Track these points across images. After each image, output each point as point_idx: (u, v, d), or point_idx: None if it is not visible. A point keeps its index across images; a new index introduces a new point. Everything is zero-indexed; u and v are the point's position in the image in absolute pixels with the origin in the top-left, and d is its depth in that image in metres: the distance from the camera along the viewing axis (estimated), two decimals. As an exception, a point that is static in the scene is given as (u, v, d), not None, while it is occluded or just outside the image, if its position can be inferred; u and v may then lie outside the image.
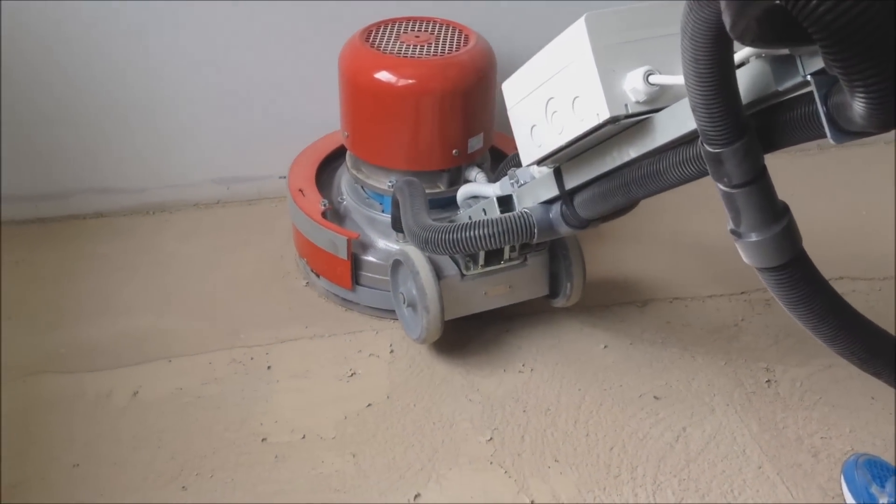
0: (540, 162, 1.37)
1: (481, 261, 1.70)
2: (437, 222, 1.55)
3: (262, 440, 1.60)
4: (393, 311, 1.85)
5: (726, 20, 0.77)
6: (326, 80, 1.91)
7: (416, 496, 1.50)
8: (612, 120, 1.12)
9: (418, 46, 1.77)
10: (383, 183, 1.84)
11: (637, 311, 1.93)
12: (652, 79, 1.10)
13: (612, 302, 1.95)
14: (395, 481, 1.52)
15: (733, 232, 0.95)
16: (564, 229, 1.46)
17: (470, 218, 1.63)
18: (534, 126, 1.32)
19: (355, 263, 1.83)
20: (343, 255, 1.80)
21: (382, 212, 1.88)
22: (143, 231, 2.20)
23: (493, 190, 1.65)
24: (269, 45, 2.09)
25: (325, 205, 1.84)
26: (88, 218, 2.23)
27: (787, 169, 2.43)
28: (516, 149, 1.94)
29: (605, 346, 1.83)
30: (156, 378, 1.73)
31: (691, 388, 1.72)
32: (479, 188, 1.74)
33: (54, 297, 1.95)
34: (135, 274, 2.03)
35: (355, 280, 1.86)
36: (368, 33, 1.82)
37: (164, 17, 2.01)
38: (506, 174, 1.66)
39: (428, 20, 1.88)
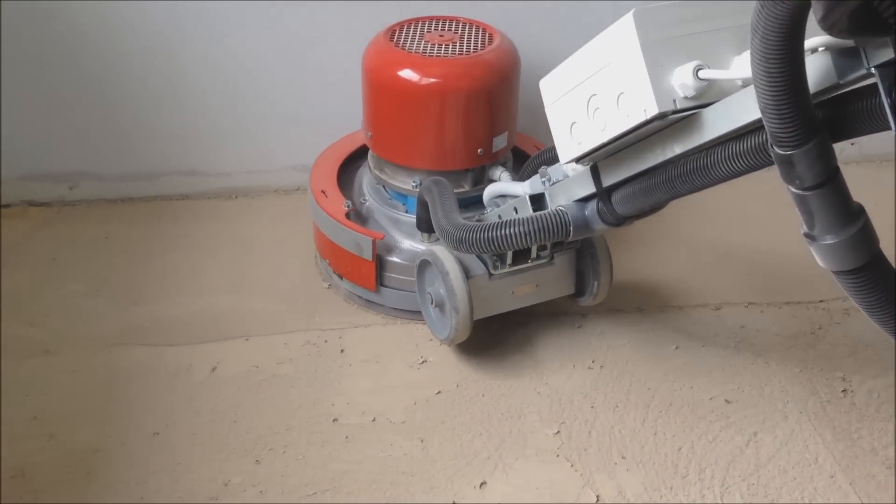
0: (579, 159, 1.36)
1: (509, 260, 1.69)
2: (468, 221, 1.57)
3: (334, 420, 1.64)
4: (417, 312, 1.84)
5: (818, 12, 0.77)
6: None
7: (481, 483, 1.52)
8: (660, 116, 1.12)
9: (443, 45, 1.77)
10: (407, 183, 1.85)
11: (711, 314, 1.91)
12: (702, 74, 1.10)
13: (684, 304, 1.94)
14: (462, 468, 1.54)
15: (807, 235, 0.94)
16: (600, 226, 1.46)
17: (500, 217, 1.63)
18: (573, 123, 1.32)
19: (380, 264, 1.83)
20: (368, 256, 1.80)
21: (406, 212, 1.89)
22: (225, 214, 2.26)
23: (523, 188, 1.64)
24: (349, 38, 2.13)
25: (348, 206, 1.84)
26: (175, 199, 2.31)
27: (870, 178, 2.38)
28: (537, 148, 1.98)
29: (677, 347, 1.82)
30: (233, 355, 1.78)
31: (764, 394, 1.70)
32: (507, 187, 1.73)
33: (139, 273, 2.02)
34: (216, 255, 2.10)
35: (380, 281, 1.86)
36: (392, 33, 1.82)
37: (249, 12, 2.07)
38: (535, 173, 1.66)
39: (451, 19, 1.88)
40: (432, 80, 1.71)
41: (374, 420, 1.64)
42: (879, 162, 2.49)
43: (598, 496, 1.49)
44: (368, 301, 1.91)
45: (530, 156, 1.96)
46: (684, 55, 1.12)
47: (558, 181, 1.54)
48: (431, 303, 1.73)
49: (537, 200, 1.57)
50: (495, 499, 1.49)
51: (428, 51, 1.76)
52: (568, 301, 1.90)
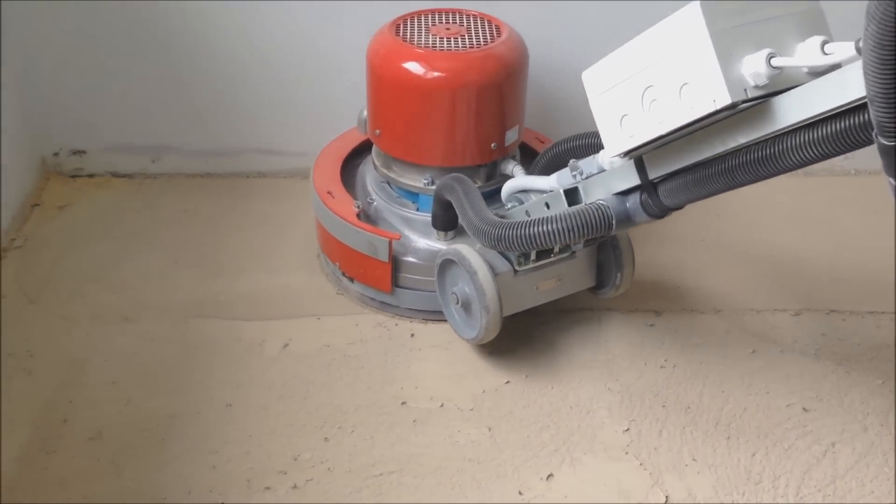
0: (629, 153, 1.33)
1: (533, 255, 1.66)
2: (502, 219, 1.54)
3: (402, 403, 1.64)
4: (433, 312, 1.81)
5: None
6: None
7: (548, 476, 1.50)
8: (731, 106, 1.11)
9: (451, 39, 1.74)
10: (418, 181, 1.81)
11: (790, 319, 1.86)
12: (775, 62, 1.09)
13: (763, 307, 1.89)
14: (529, 459, 1.53)
15: None
16: (643, 219, 1.42)
17: (528, 213, 1.59)
18: (625, 116, 1.29)
19: (395, 265, 1.78)
20: (384, 257, 1.75)
21: (417, 210, 1.85)
22: (300, 193, 2.27)
23: (550, 183, 1.59)
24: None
25: (358, 206, 1.79)
26: (251, 177, 2.34)
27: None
28: (540, 141, 1.96)
29: (753, 351, 1.77)
30: (305, 333, 1.80)
31: (843, 404, 1.65)
32: (530, 182, 1.68)
33: (216, 248, 2.06)
34: (291, 233, 2.12)
35: (395, 282, 1.80)
36: (396, 27, 1.78)
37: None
38: (549, 167, 1.65)
39: (455, 11, 1.84)
40: (444, 74, 1.68)
41: (442, 405, 1.64)
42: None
43: (667, 496, 1.47)
44: (383, 303, 1.86)
45: (533, 149, 1.94)
46: (751, 43, 1.11)
47: (593, 174, 1.50)
48: (456, 302, 1.68)
49: (571, 195, 1.52)
50: (562, 492, 1.48)
51: (437, 44, 1.72)
52: (642, 298, 1.87)
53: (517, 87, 1.77)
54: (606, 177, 1.47)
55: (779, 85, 1.11)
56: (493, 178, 1.85)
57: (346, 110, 2.26)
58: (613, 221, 1.42)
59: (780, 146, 1.12)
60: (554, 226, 1.42)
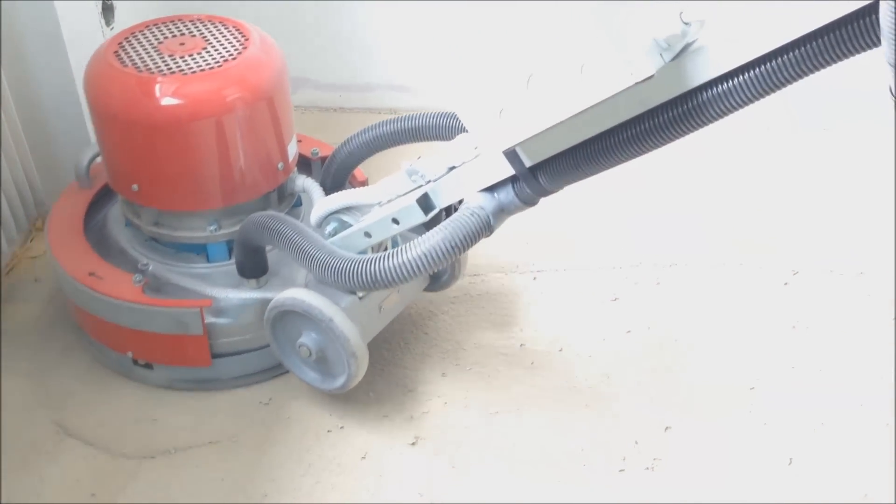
0: (513, 147, 1.18)
1: None
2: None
3: (521, 345, 1.64)
4: (265, 372, 1.58)
5: None
6: None
7: (666, 428, 1.48)
8: (652, 76, 0.99)
9: (194, 55, 1.46)
10: (202, 230, 1.55)
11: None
12: (685, 16, 0.97)
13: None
14: (646, 408, 1.51)
15: None
16: (518, 209, 1.26)
17: (369, 234, 1.38)
18: (502, 110, 1.15)
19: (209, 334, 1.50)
20: (197, 330, 1.47)
21: (209, 262, 1.58)
22: (430, 132, 2.29)
23: (384, 194, 1.37)
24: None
25: (139, 281, 1.49)
26: (383, 112, 2.35)
27: None
28: (299, 140, 1.69)
29: (896, 318, 1.68)
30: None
31: None
32: (356, 197, 1.41)
33: (346, 182, 2.09)
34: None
35: (212, 353, 1.52)
36: (117, 55, 1.46)
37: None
38: (340, 174, 1.57)
39: (177, 20, 1.55)
40: (206, 99, 1.42)
41: (560, 350, 1.63)
42: None
43: (790, 459, 1.42)
44: (199, 381, 1.56)
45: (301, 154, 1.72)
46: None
47: (442, 175, 1.29)
48: (309, 355, 1.43)
49: (424, 202, 1.31)
50: (680, 444, 1.45)
51: (181, 66, 1.44)
52: (778, 254, 1.80)
53: (286, 93, 1.54)
54: (466, 174, 1.27)
55: (687, 40, 1.00)
56: (284, 201, 1.64)
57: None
58: (492, 222, 1.26)
59: (702, 97, 1.02)
60: (432, 245, 1.24)
